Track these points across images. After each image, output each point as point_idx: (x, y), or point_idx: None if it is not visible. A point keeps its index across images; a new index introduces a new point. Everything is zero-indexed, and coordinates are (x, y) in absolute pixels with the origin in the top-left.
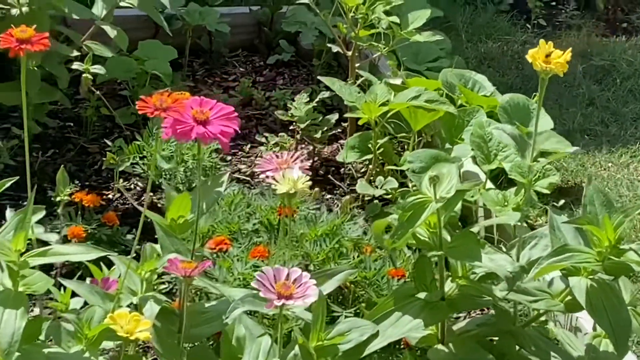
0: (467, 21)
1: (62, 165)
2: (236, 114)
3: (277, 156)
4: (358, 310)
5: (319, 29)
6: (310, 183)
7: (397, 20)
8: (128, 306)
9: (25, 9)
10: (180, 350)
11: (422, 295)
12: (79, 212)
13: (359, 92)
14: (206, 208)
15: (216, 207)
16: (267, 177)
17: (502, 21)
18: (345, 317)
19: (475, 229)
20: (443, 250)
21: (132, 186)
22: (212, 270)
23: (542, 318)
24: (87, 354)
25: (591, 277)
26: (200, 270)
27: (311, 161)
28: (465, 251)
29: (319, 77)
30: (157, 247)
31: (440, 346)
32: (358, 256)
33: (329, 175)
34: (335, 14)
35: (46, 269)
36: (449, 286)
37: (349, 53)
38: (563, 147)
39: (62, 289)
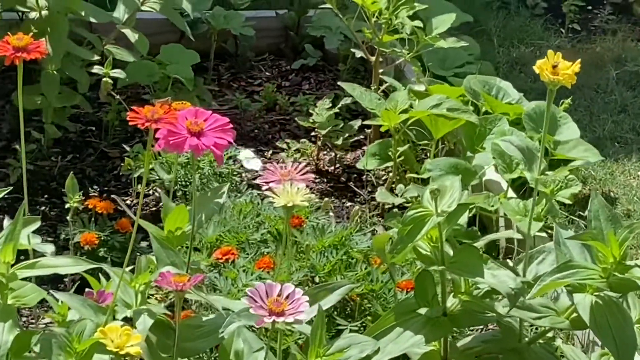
0: (500, 25)
1: (71, 172)
2: (231, 125)
3: (281, 167)
4: (364, 324)
5: (344, 34)
6: (310, 196)
7: (421, 25)
8: (124, 319)
9: (45, 12)
10: None
11: (423, 310)
12: (93, 219)
13: (379, 99)
14: (205, 219)
15: (226, 217)
16: (269, 188)
17: (536, 25)
18: (351, 330)
19: (480, 243)
20: (445, 265)
21: (150, 192)
22: (217, 281)
23: (550, 334)
24: None
25: (597, 293)
26: (192, 284)
27: (333, 167)
28: (466, 266)
29: (339, 83)
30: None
31: None
32: (366, 268)
33: (350, 183)
34: (359, 18)
35: (57, 280)
36: (452, 302)
37: (373, 58)
38: (590, 156)
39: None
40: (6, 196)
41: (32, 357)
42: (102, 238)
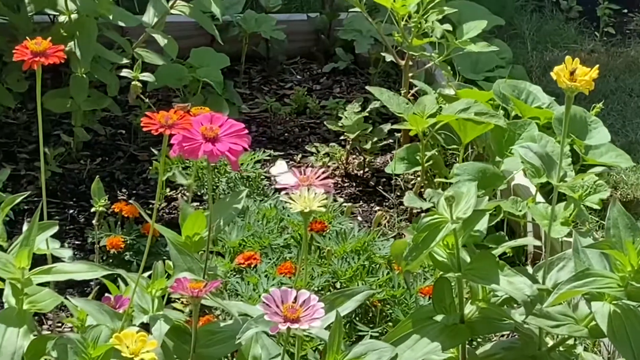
0: (533, 29)
1: (97, 177)
2: (246, 131)
3: (299, 172)
4: (385, 330)
5: (374, 37)
6: (327, 202)
7: (450, 29)
8: (141, 325)
9: (74, 15)
10: None
11: (439, 317)
12: (119, 222)
13: (407, 103)
14: (223, 225)
15: (251, 221)
16: (287, 194)
17: (570, 29)
18: (371, 336)
19: (498, 250)
20: (461, 272)
21: (179, 195)
22: (239, 286)
23: (571, 342)
24: None
25: (615, 302)
26: (209, 290)
27: (362, 171)
28: (482, 273)
29: (367, 87)
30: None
31: None
32: (388, 273)
33: (379, 187)
34: (390, 22)
35: (84, 284)
36: (469, 309)
37: (402, 62)
38: (622, 161)
39: None
40: (35, 199)
41: None
42: (128, 242)
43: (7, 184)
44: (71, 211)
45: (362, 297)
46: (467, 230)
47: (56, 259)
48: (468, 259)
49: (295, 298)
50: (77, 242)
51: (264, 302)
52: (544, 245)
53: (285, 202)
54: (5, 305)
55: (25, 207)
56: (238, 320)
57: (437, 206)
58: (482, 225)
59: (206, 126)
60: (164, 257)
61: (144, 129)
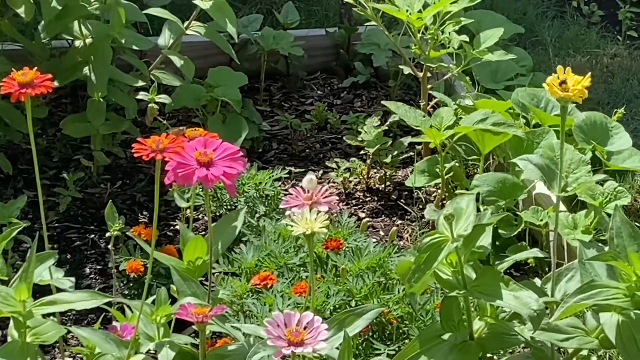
0: (555, 35)
1: (110, 201)
2: (241, 153)
3: (304, 191)
4: (401, 347)
5: (392, 50)
6: (328, 222)
7: (467, 39)
8: (148, 352)
9: (89, 40)
10: None
11: (446, 336)
12: (138, 246)
13: (424, 116)
14: (222, 248)
15: (267, 241)
16: (289, 216)
17: (592, 34)
18: (388, 354)
19: (503, 265)
20: (466, 289)
21: (199, 216)
22: (254, 307)
23: (584, 352)
24: None
25: (623, 311)
26: (213, 315)
27: (383, 185)
28: (486, 290)
29: (383, 102)
30: None
31: None
32: (404, 290)
33: (401, 200)
34: (407, 34)
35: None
36: (478, 325)
37: (420, 74)
38: None
39: None
40: (56, 225)
41: None
42: (148, 265)
43: (27, 210)
44: (92, 236)
45: (372, 315)
46: (469, 247)
47: (60, 289)
48: (474, 275)
49: (299, 321)
50: (98, 267)
51: (266, 327)
52: (552, 255)
53: (287, 224)
54: (9, 339)
55: (47, 234)
56: (244, 344)
57: (437, 225)
58: (486, 240)
59: (200, 151)
60: None
61: (135, 155)
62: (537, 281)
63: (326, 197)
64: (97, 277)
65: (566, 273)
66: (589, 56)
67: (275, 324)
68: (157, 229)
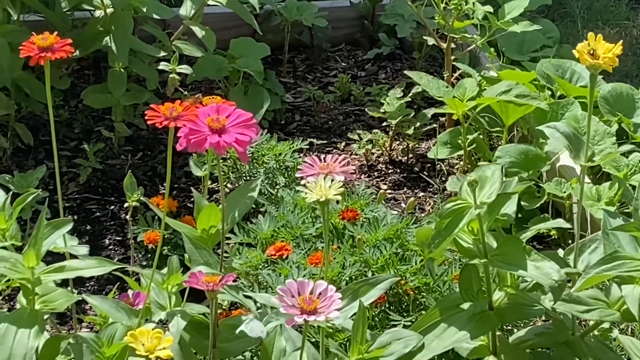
0: (584, 7)
1: (129, 172)
2: (254, 120)
3: (319, 160)
4: (418, 318)
5: (417, 21)
6: (343, 190)
7: (491, 10)
8: (160, 321)
9: (110, 10)
10: None
11: (466, 305)
12: (156, 217)
13: (446, 87)
14: (239, 216)
15: (285, 211)
16: (304, 184)
17: (622, 5)
18: (404, 326)
19: (526, 234)
20: (487, 258)
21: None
22: (269, 277)
23: (606, 325)
24: None
25: None
26: (224, 283)
27: (406, 157)
28: (508, 259)
29: (406, 72)
30: None
31: (491, 358)
32: (421, 261)
33: (424, 172)
34: (430, 5)
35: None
36: (498, 295)
37: (444, 45)
38: None
39: None
40: (76, 196)
41: None
42: (166, 236)
43: (48, 181)
44: (112, 207)
45: (387, 284)
46: (492, 214)
47: (74, 256)
48: (495, 244)
49: (312, 290)
50: (117, 238)
51: (279, 295)
52: (576, 226)
53: (301, 191)
54: (17, 306)
55: (67, 205)
56: (264, 313)
57: (460, 191)
58: (511, 208)
59: (212, 117)
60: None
61: (148, 123)
62: (560, 252)
63: (343, 166)
64: (117, 248)
65: (589, 244)
66: (618, 28)
67: (288, 293)
68: (178, 200)
